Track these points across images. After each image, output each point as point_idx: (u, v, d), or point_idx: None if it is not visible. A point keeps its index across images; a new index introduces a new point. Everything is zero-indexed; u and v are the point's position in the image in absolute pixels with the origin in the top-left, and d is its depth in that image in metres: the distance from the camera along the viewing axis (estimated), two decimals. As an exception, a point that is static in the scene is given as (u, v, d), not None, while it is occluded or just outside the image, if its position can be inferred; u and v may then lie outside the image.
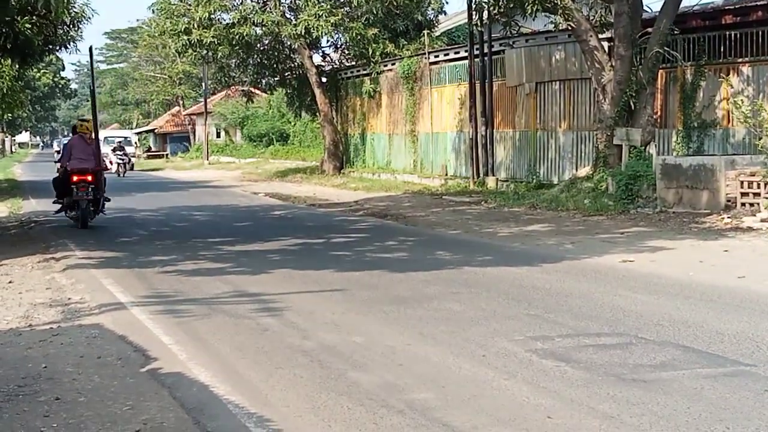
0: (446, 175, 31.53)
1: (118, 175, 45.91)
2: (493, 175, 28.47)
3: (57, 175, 21.26)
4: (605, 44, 22.78)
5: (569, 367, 7.61)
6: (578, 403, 6.65)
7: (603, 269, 12.96)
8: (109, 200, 21.60)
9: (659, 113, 22.41)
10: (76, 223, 20.43)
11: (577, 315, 9.75)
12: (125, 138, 63.88)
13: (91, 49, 18.46)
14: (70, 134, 22.83)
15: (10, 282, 12.92)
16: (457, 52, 31.72)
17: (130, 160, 51.45)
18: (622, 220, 18.87)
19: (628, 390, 6.92)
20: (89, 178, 20.02)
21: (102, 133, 53.83)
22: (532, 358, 7.93)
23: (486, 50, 28.58)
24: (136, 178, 46.14)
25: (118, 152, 49.37)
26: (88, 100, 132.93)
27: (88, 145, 20.52)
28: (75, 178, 19.99)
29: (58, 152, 34.22)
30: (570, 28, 22.80)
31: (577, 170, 24.50)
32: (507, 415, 6.41)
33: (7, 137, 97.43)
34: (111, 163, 44.19)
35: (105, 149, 39.05)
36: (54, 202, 21.28)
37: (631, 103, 21.71)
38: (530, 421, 6.28)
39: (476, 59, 28.90)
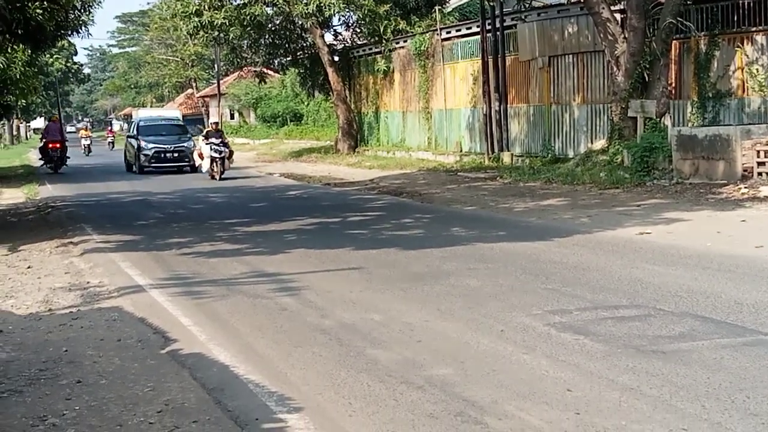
0: (461, 151, 31.48)
1: (212, 177, 29.90)
2: (508, 151, 28.40)
3: (41, 145, 39.05)
4: (618, 16, 22.65)
5: (588, 339, 7.61)
6: (598, 375, 6.65)
7: (620, 242, 12.94)
8: (69, 157, 39.29)
9: (673, 84, 22.29)
10: (51, 169, 37.24)
11: (595, 288, 9.75)
12: (176, 119, 43.09)
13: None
14: (48, 122, 44.60)
15: (29, 267, 12.99)
16: (469, 28, 31.60)
17: (231, 152, 31.20)
18: (638, 192, 18.82)
19: (648, 361, 6.91)
20: (57, 145, 37.52)
21: (139, 114, 48.66)
22: (551, 332, 7.93)
23: (498, 25, 28.47)
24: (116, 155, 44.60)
25: (213, 141, 30.17)
26: (101, 85, 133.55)
27: (58, 128, 39.33)
28: (50, 146, 37.57)
29: (42, 133, 43.13)
30: (582, 0, 22.67)
31: (592, 143, 24.43)
32: (526, 388, 6.42)
33: (21, 123, 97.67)
34: (201, 156, 30.71)
35: (166, 140, 35.61)
36: (39, 159, 40.00)
37: (645, 75, 21.61)
38: (550, 394, 6.29)
39: (488, 34, 28.78)
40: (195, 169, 32.69)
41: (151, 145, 35.16)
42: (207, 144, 30.04)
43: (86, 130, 68.05)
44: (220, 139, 30.24)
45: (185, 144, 35.43)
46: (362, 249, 13.43)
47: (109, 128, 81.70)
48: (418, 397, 6.35)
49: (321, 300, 9.85)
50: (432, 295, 9.80)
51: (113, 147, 64.04)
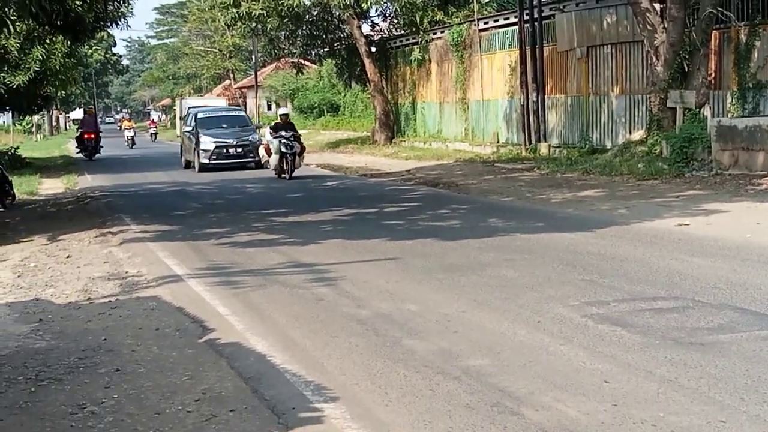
0: (498, 142, 31.39)
1: (280, 176, 26.10)
2: (545, 141, 28.29)
3: (78, 135, 43.82)
4: (657, 6, 22.45)
5: (626, 331, 7.57)
6: (635, 367, 6.62)
7: (658, 233, 12.85)
8: (102, 147, 43.20)
9: (713, 74, 22.07)
10: (86, 157, 41.44)
11: (633, 279, 9.69)
12: (237, 109, 41.73)
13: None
14: (84, 115, 49.13)
15: (68, 257, 13.10)
16: (507, 18, 31.47)
17: (303, 148, 26.84)
18: (676, 183, 18.68)
19: (686, 353, 6.87)
20: (92, 136, 41.90)
21: (188, 103, 47.54)
22: (588, 323, 7.90)
23: (536, 15, 28.33)
24: (158, 146, 44.73)
25: (283, 135, 26.12)
26: (140, 76, 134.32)
27: (93, 121, 44.05)
28: (85, 136, 42.17)
29: (78, 124, 48.67)
30: (621, -10, 22.52)
31: (630, 134, 24.27)
32: (563, 380, 6.40)
33: (61, 114, 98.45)
34: (268, 152, 26.66)
35: (228, 134, 31.38)
36: (76, 147, 44.66)
37: (685, 65, 21.43)
38: (587, 385, 6.26)
39: (526, 24, 28.66)
40: (260, 165, 28.85)
41: (211, 140, 30.81)
42: (276, 138, 26.00)
43: (129, 121, 67.43)
44: (291, 133, 26.15)
45: (249, 138, 31.40)
46: (398, 239, 13.43)
47: (151, 119, 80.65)
48: (455, 388, 6.35)
49: (357, 290, 9.86)
50: (468, 286, 9.79)
51: (155, 138, 63.16)
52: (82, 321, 9.00)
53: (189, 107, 39.05)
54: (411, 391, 6.33)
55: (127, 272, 11.66)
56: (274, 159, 25.97)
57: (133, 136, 55.97)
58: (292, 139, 26.03)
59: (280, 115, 27.59)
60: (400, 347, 7.47)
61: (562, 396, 6.08)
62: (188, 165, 31.98)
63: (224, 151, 30.39)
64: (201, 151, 30.22)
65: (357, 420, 5.87)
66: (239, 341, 7.96)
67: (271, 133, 26.64)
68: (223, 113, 36.29)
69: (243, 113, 37.07)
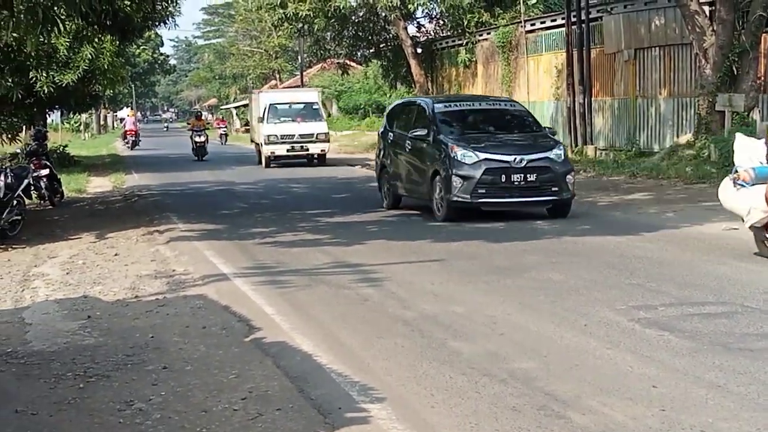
0: (543, 144, 31.20)
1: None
2: (592, 144, 28.11)
3: (123, 131, 53.04)
4: (706, 8, 22.27)
5: (673, 336, 7.51)
6: (683, 372, 6.57)
7: (706, 238, 12.74)
8: (140, 141, 51.16)
9: (763, 78, 21.84)
10: (128, 147, 48.88)
11: (681, 284, 9.61)
12: (314, 103, 34.27)
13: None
14: (126, 117, 58.30)
15: (116, 255, 13.21)
16: (554, 20, 31.33)
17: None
18: (725, 187, 18.47)
19: (735, 359, 6.81)
20: (133, 132, 50.91)
21: (267, 98, 34.61)
22: (635, 328, 7.84)
23: (583, 17, 28.17)
24: (230, 150, 45.34)
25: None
26: (186, 76, 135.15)
27: (133, 121, 53.52)
28: (127, 132, 51.16)
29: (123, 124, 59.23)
30: (670, -8, 22.35)
31: (678, 137, 24.06)
32: (610, 384, 6.36)
33: (108, 113, 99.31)
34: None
35: (525, 145, 16.61)
36: (122, 140, 53.10)
37: (734, 68, 21.24)
38: (634, 390, 6.22)
39: (573, 26, 28.51)
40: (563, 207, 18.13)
41: (474, 157, 17.07)
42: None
43: (222, 120, 63.38)
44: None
45: (549, 154, 25.24)
46: (443, 241, 13.42)
47: (220, 117, 75.16)
48: (501, 390, 6.33)
49: (403, 291, 9.87)
50: (514, 288, 9.76)
51: (226, 140, 54.39)
52: (129, 318, 9.08)
53: (270, 103, 33.03)
54: (457, 393, 6.32)
55: (174, 270, 11.73)
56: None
57: (225, 134, 53.86)
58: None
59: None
60: (446, 349, 7.46)
61: (609, 400, 6.04)
62: (397, 200, 18.21)
63: (501, 179, 15.49)
64: (453, 178, 15.45)
65: (403, 421, 5.87)
66: (285, 340, 7.99)
67: None
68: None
69: (521, 107, 19.03)
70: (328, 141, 32.75)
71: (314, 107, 33.23)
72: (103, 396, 6.57)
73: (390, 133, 18.52)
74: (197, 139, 37.64)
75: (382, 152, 18.88)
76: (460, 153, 15.64)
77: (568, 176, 15.67)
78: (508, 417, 5.81)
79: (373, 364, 7.14)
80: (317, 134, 31.69)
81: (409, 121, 17.85)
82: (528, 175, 15.43)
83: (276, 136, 31.40)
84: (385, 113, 21.02)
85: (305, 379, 6.84)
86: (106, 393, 6.64)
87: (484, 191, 15.42)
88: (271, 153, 31.53)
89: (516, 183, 15.43)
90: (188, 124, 44.38)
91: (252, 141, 37.32)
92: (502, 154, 15.61)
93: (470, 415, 5.89)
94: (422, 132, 16.72)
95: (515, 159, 15.45)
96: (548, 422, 5.69)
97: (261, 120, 32.20)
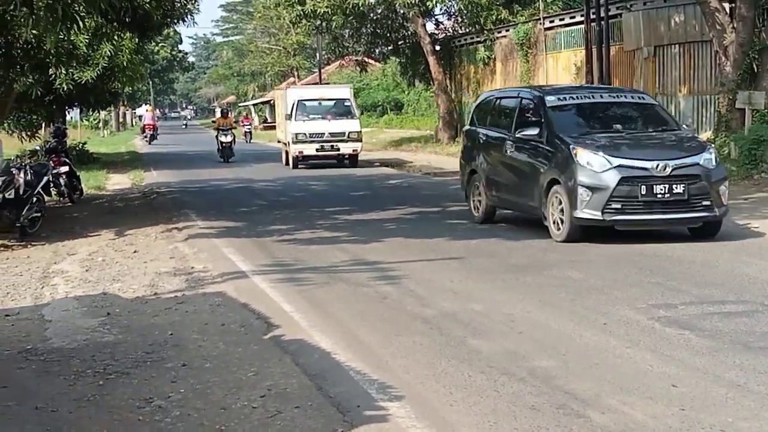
0: (562, 141, 31.10)
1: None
2: (611, 142, 27.98)
3: (142, 126, 59.94)
4: (726, 5, 22.13)
5: (693, 335, 7.48)
6: (703, 371, 6.54)
7: (726, 236, 12.66)
8: (158, 135, 55.79)
9: (784, 75, 21.72)
10: (147, 141, 53.96)
11: (701, 283, 9.57)
12: (345, 99, 32.03)
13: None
14: (145, 112, 65.64)
15: (135, 252, 13.25)
16: (573, 17, 31.24)
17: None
18: (745, 185, 18.39)
19: (755, 358, 6.77)
20: (151, 126, 55.50)
21: (297, 94, 31.90)
22: (655, 326, 7.82)
23: (603, 14, 28.05)
24: (254, 148, 45.43)
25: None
26: (205, 73, 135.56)
27: (151, 116, 59.05)
28: (146, 127, 56.48)
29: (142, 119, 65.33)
30: (690, -11, 22.24)
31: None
32: (630, 383, 6.34)
33: (127, 110, 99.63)
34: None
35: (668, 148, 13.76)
36: (141, 134, 59.13)
37: (754, 66, 21.10)
38: (654, 389, 6.20)
39: (593, 23, 28.41)
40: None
41: (606, 162, 15.45)
42: None
43: (247, 117, 61.65)
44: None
45: (695, 159, 21.93)
46: (462, 239, 13.40)
47: (245, 114, 72.34)
48: (520, 389, 6.32)
49: (421, 289, 9.86)
50: (533, 287, 9.74)
51: (251, 138, 53.12)
52: (149, 315, 9.10)
53: (298, 99, 30.74)
54: (476, 392, 6.31)
55: (192, 268, 11.76)
56: None
57: (249, 131, 53.06)
58: None
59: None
60: (464, 347, 7.45)
61: (628, 399, 6.02)
62: (491, 213, 15.37)
63: (641, 190, 12.48)
64: (579, 189, 12.62)
65: (422, 419, 5.86)
66: (304, 338, 7.99)
67: None
68: (609, 97, 15.86)
69: (652, 99, 16.27)
70: (361, 140, 30.64)
71: (346, 104, 31.19)
72: (122, 393, 6.58)
73: (480, 132, 15.59)
74: (223, 138, 34.36)
75: (470, 154, 15.88)
76: (586, 157, 12.55)
77: (722, 186, 12.73)
78: (527, 416, 5.80)
79: (391, 362, 7.14)
80: (349, 133, 29.72)
81: (507, 117, 14.89)
82: (674, 186, 12.33)
83: (305, 134, 29.44)
84: (472, 107, 17.63)
85: (324, 376, 6.84)
86: (126, 390, 6.66)
87: (619, 206, 12.36)
88: (299, 152, 29.68)
89: (659, 196, 12.31)
90: (213, 122, 38.02)
91: (278, 140, 35.17)
92: (640, 159, 12.53)
93: (489, 413, 5.88)
94: (532, 131, 13.59)
95: (657, 165, 12.35)
96: (567, 421, 5.68)
97: (289, 117, 30.25)
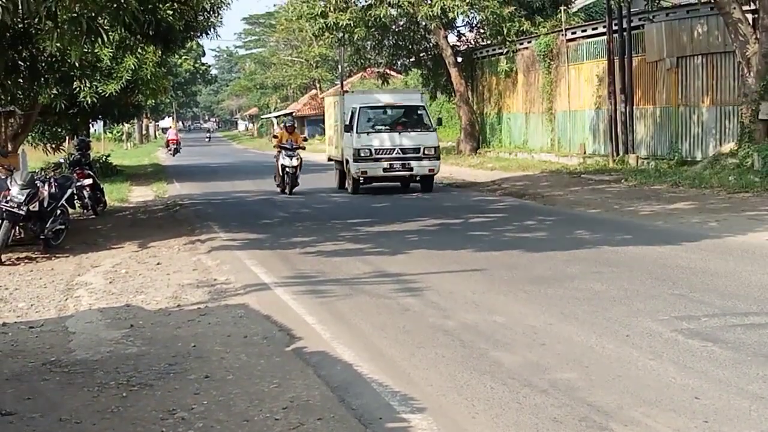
0: (584, 153, 31.09)
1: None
2: (633, 153, 27.94)
3: (166, 140, 63.60)
4: (749, 16, 22.08)
5: (717, 347, 7.45)
6: (727, 383, 6.51)
7: (750, 247, 12.62)
8: (181, 149, 59.26)
9: (807, 86, 21.61)
10: (171, 154, 57.53)
11: (724, 294, 9.53)
12: (420, 106, 25.82)
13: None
14: (168, 127, 75.39)
15: (158, 264, 13.31)
16: (595, 28, 31.19)
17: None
18: (768, 196, 18.32)
19: (779, 371, 6.74)
20: (174, 140, 59.97)
21: (356, 100, 25.41)
22: (678, 338, 7.79)
23: (625, 25, 28.03)
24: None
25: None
26: (227, 85, 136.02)
27: (174, 132, 63.38)
28: (169, 141, 60.54)
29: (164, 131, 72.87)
30: (712, 0, 22.18)
31: (720, 146, 23.85)
32: (653, 395, 6.32)
33: (150, 123, 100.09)
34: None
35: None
36: (165, 148, 62.01)
37: (778, 77, 21.01)
38: (677, 401, 6.17)
39: (615, 35, 28.37)
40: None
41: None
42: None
43: (292, 133, 50.77)
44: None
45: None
46: (484, 251, 13.39)
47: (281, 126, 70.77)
48: (542, 401, 6.31)
49: (443, 301, 9.86)
50: (555, 298, 9.72)
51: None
52: (172, 327, 9.14)
53: (360, 106, 24.77)
54: (498, 404, 6.31)
55: (215, 280, 11.80)
56: None
57: (297, 167, 28.08)
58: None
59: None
60: (486, 359, 7.44)
61: (651, 411, 6.00)
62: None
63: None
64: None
65: (444, 431, 5.86)
66: (326, 350, 8.01)
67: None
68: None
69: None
70: (439, 158, 24.87)
71: (419, 112, 25.21)
72: (145, 405, 6.62)
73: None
74: (287, 162, 25.16)
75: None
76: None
77: None
78: (549, 428, 5.79)
79: (413, 374, 7.15)
80: (424, 149, 24.04)
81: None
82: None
83: (369, 150, 23.77)
84: None
85: (346, 388, 6.86)
86: (149, 402, 6.69)
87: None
88: (362, 173, 23.99)
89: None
90: (274, 137, 27.64)
91: (329, 158, 29.05)
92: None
93: (511, 426, 5.87)
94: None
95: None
96: (590, 433, 5.67)
97: (348, 128, 24.63)
